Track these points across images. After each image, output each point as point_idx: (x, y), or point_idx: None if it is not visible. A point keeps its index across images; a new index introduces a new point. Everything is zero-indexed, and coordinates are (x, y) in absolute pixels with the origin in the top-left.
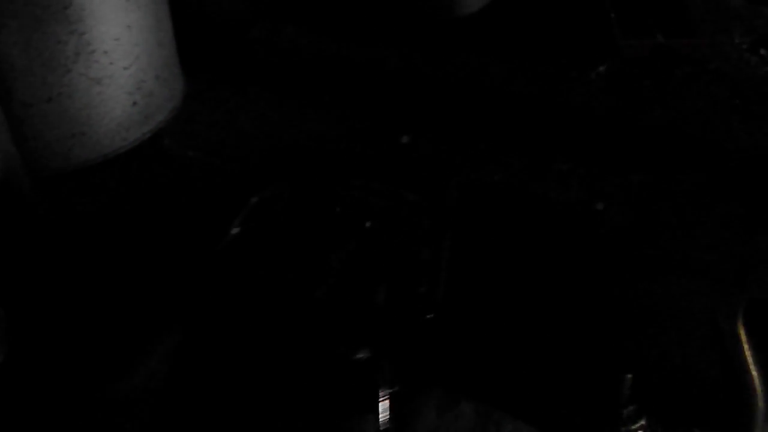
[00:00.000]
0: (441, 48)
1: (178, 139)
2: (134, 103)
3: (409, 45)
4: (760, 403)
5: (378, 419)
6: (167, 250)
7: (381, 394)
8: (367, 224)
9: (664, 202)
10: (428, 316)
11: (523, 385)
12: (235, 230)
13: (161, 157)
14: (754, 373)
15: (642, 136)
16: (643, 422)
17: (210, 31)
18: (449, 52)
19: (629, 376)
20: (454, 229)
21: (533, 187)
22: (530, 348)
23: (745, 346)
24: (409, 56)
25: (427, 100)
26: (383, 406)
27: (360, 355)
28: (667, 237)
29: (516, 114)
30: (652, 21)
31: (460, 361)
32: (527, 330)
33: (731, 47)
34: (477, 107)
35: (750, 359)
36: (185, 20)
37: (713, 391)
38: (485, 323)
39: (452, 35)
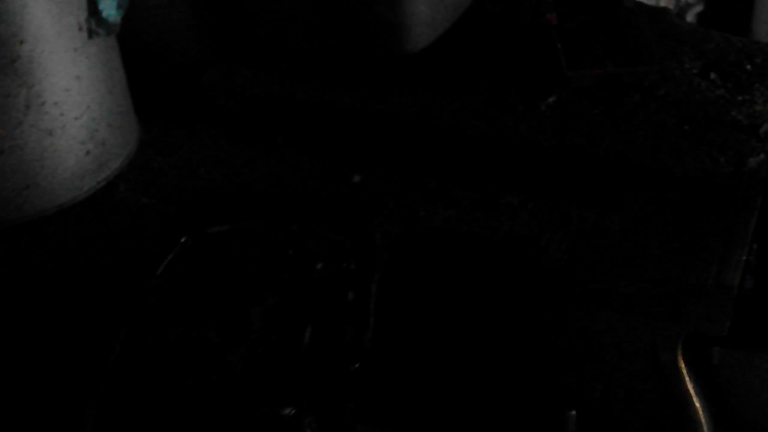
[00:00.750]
0: (392, 85)
1: (133, 186)
2: (87, 153)
3: (361, 83)
4: None
5: None
6: (114, 304)
7: None
8: (287, 275)
9: (603, 236)
10: (354, 366)
11: (464, 425)
12: (154, 281)
13: (116, 205)
14: (697, 404)
15: (590, 167)
16: None
17: (164, 76)
18: (400, 89)
19: (573, 412)
20: (383, 271)
21: (483, 221)
22: (470, 386)
23: (686, 378)
24: (361, 94)
25: (378, 137)
26: None
27: (284, 412)
28: (607, 272)
29: (466, 149)
30: (600, 49)
31: (395, 403)
32: (466, 368)
33: (681, 72)
34: (427, 143)
35: (692, 391)
36: (138, 65)
37: (658, 424)
38: (420, 364)
39: (403, 71)
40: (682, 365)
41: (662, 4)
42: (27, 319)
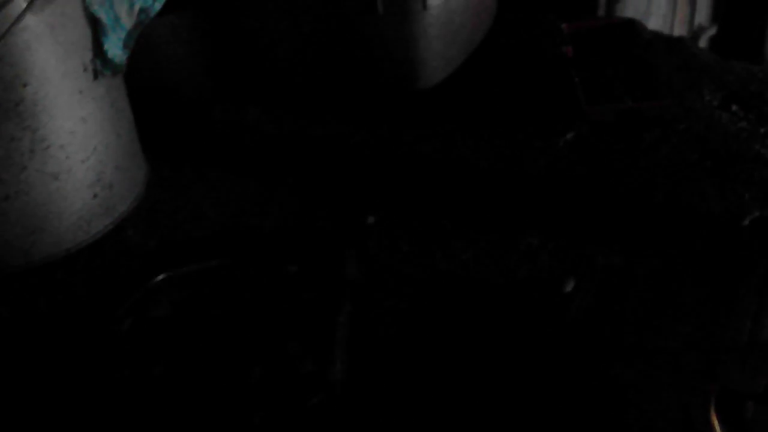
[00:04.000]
0: (405, 122)
1: (141, 229)
2: (95, 196)
3: (374, 120)
4: None
5: None
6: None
7: None
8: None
9: (631, 286)
10: (314, 400)
11: None
12: (121, 320)
13: (124, 250)
14: None
15: (611, 207)
16: None
17: (172, 115)
18: (414, 126)
19: None
20: (354, 303)
21: (502, 263)
22: None
23: None
24: (374, 132)
25: (392, 177)
26: None
27: None
28: (635, 323)
29: (482, 187)
30: (618, 84)
31: None
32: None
33: (701, 105)
34: (443, 182)
35: None
36: (146, 104)
37: None
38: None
39: (417, 108)
40: (715, 422)
41: (676, 30)
42: (29, 367)
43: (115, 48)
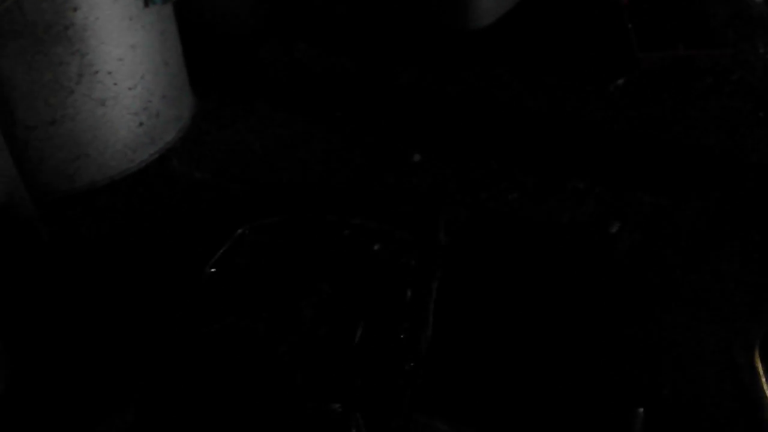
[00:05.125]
0: (455, 62)
1: (186, 160)
2: (140, 124)
3: (423, 60)
4: None
5: None
6: (161, 280)
7: None
8: (346, 265)
9: (678, 227)
10: (409, 366)
11: (531, 419)
12: (210, 270)
13: (168, 179)
14: None
15: (661, 153)
16: None
17: (220, 49)
18: (463, 67)
19: (641, 410)
20: (445, 268)
21: (548, 206)
22: (538, 378)
23: (763, 380)
24: (423, 71)
25: (440, 116)
26: None
27: (331, 409)
28: (681, 265)
29: (530, 130)
30: (672, 31)
31: (463, 397)
32: (535, 360)
33: (755, 57)
34: (490, 123)
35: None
36: (195, 38)
37: (729, 426)
38: (482, 358)
39: (466, 49)
40: (759, 365)
41: None
42: (72, 294)
43: None
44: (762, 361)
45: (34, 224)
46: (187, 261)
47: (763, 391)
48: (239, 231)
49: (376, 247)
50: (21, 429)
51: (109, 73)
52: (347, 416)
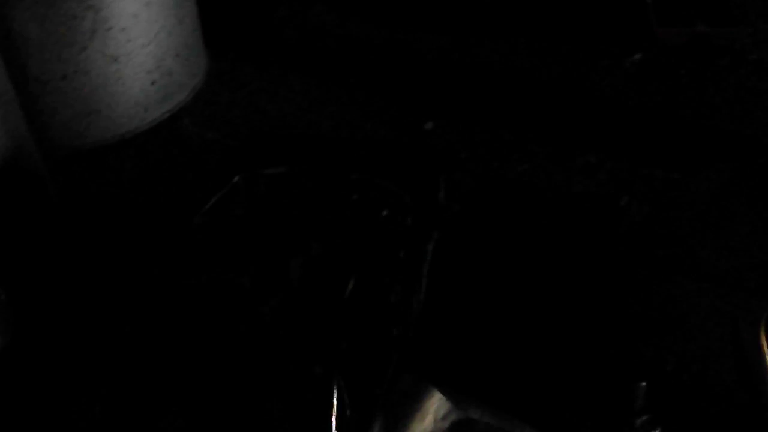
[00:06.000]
0: (470, 31)
1: (198, 120)
2: (153, 82)
3: (438, 27)
4: None
5: None
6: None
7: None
8: (340, 221)
9: (688, 201)
10: (397, 331)
11: (531, 390)
12: (201, 218)
13: (179, 139)
14: None
15: (674, 129)
16: None
17: (236, 9)
18: (478, 35)
19: (644, 384)
20: (444, 232)
21: (558, 179)
22: (538, 351)
23: (767, 356)
24: (438, 39)
25: (453, 84)
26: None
27: (313, 371)
28: (690, 238)
29: (544, 102)
30: (691, 8)
31: (464, 366)
32: (535, 331)
33: None
34: (505, 93)
35: None
36: None
37: (732, 403)
38: (490, 323)
39: (482, 18)
40: (764, 342)
41: None
42: (77, 249)
43: None
44: (767, 338)
45: (43, 180)
46: (181, 212)
47: (767, 368)
48: (234, 179)
49: (372, 205)
50: (23, 382)
51: (123, 29)
52: (329, 379)
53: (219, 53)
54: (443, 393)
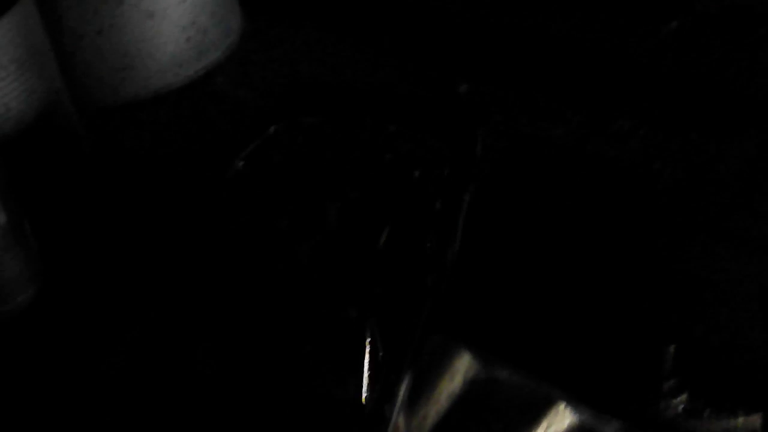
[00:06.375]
0: None
1: (232, 78)
2: (188, 39)
3: None
4: None
5: (360, 385)
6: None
7: (366, 358)
8: (377, 169)
9: (721, 167)
10: (431, 280)
11: (559, 352)
12: (240, 163)
13: (213, 96)
14: None
15: (709, 97)
16: (684, 397)
17: None
18: (515, 1)
19: (672, 348)
20: (479, 183)
21: (592, 143)
22: (567, 313)
23: None
24: (475, 3)
25: (489, 48)
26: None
27: (347, 315)
28: (722, 203)
29: (579, 67)
30: None
31: (493, 327)
32: (564, 294)
33: None
34: (540, 58)
35: None
36: None
37: (760, 367)
38: (520, 283)
39: None
40: None
41: None
42: (110, 203)
43: None
44: None
45: (77, 134)
46: (219, 161)
47: None
48: (273, 127)
49: (409, 154)
50: (54, 330)
51: None
52: (362, 322)
53: (254, 13)
54: (472, 353)
